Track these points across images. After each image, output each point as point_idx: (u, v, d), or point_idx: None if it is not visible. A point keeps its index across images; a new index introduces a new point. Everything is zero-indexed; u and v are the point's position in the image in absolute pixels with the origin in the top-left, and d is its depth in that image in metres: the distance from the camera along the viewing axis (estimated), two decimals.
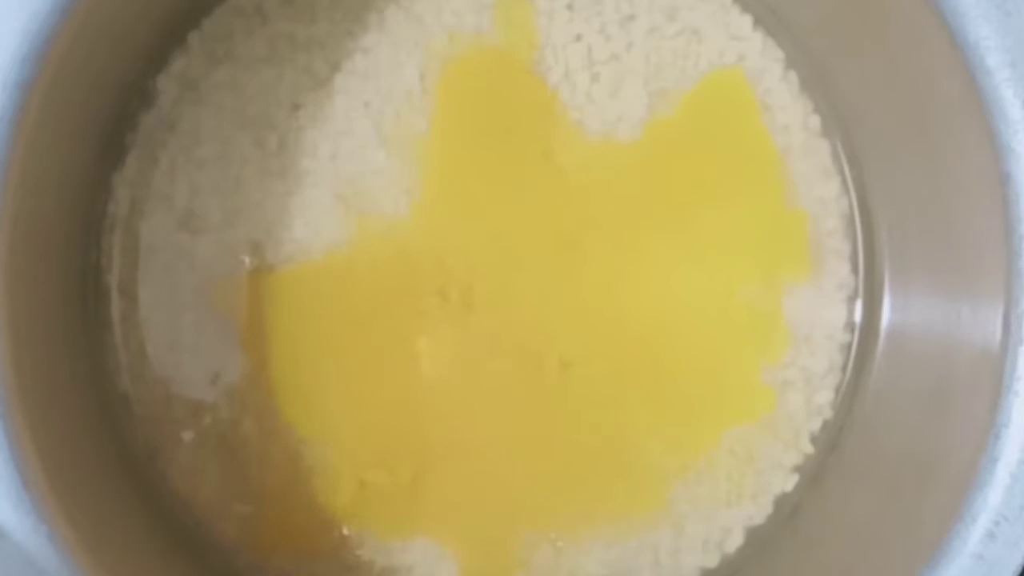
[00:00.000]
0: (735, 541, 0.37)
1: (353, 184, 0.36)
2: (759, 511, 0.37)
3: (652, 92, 0.36)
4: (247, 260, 0.36)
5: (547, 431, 0.36)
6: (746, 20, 0.37)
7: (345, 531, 0.36)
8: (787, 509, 0.37)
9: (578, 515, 0.36)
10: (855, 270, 0.37)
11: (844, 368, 0.37)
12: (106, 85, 0.34)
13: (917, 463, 0.32)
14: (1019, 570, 0.28)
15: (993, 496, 0.28)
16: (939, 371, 0.33)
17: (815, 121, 0.37)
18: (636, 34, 0.37)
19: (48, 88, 0.29)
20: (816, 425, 0.37)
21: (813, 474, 0.37)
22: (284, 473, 0.36)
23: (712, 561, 0.37)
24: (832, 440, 0.37)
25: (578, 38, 0.36)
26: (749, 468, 0.37)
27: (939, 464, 0.31)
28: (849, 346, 0.37)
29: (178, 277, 0.36)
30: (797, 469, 0.37)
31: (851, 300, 0.37)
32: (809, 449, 0.37)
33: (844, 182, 0.37)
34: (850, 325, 0.37)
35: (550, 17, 0.36)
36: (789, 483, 0.37)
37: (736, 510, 0.37)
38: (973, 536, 0.28)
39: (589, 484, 0.36)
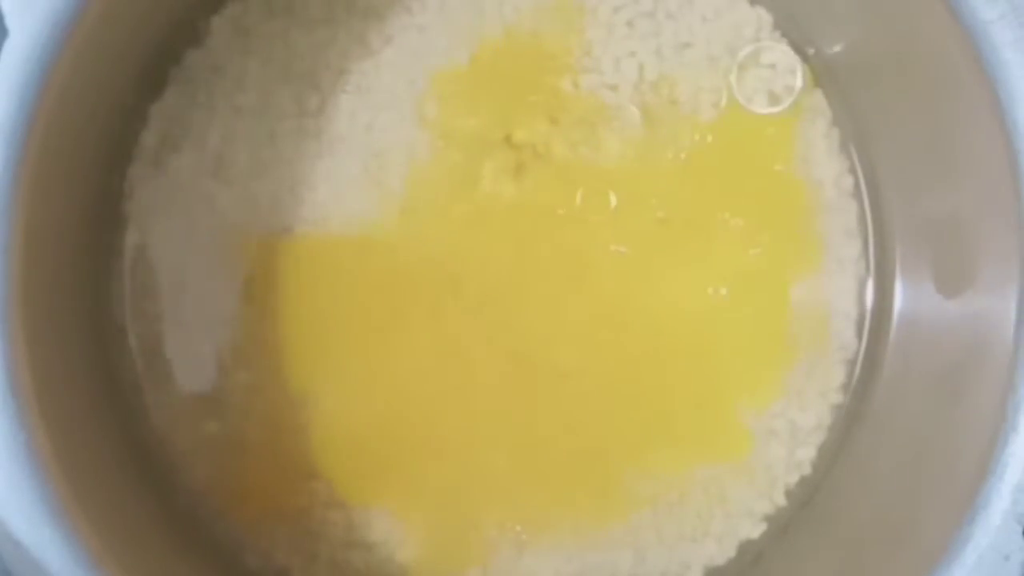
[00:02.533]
0: None
1: (382, 159, 0.36)
2: (721, 553, 0.37)
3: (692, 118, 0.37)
4: (266, 214, 0.36)
5: (530, 435, 0.36)
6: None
7: (315, 496, 0.36)
8: (749, 556, 0.37)
9: (544, 521, 0.36)
10: (859, 335, 0.37)
11: (831, 428, 0.37)
12: (158, 18, 0.34)
13: (888, 531, 0.33)
14: None
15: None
16: (920, 450, 0.33)
17: (848, 181, 0.37)
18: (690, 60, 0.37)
19: (101, 9, 0.29)
20: (793, 479, 0.37)
21: (782, 525, 0.37)
22: (266, 429, 0.36)
23: None
24: (807, 496, 0.37)
25: (632, 54, 0.37)
26: (720, 509, 0.37)
27: (910, 535, 0.31)
28: (840, 407, 0.37)
29: (196, 218, 0.36)
30: (767, 519, 0.37)
31: (851, 363, 0.37)
32: (782, 501, 0.37)
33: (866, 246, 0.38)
34: (845, 387, 0.37)
35: (609, 30, 0.36)
36: (756, 531, 0.37)
37: (699, 547, 0.37)
38: None
39: (560, 491, 0.36)
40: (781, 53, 0.37)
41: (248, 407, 0.36)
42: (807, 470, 0.37)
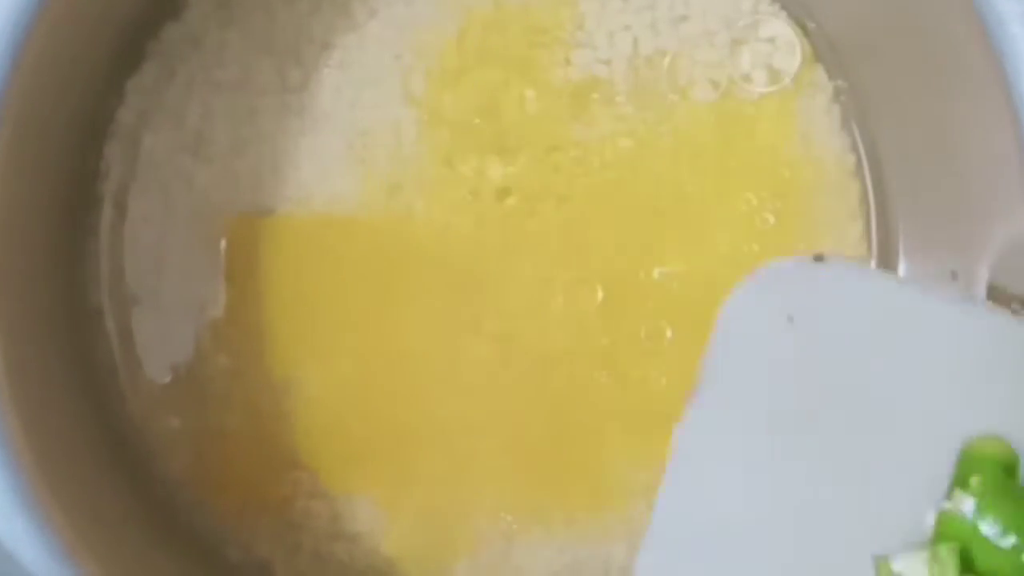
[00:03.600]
0: None
1: (367, 136, 0.36)
2: None
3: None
4: (247, 193, 0.35)
5: (520, 422, 0.36)
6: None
7: (298, 485, 0.35)
8: None
9: (535, 511, 0.36)
10: None
11: None
12: None
13: None
14: None
15: None
16: None
17: (850, 160, 0.37)
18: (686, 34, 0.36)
19: None
20: None
21: None
22: (247, 416, 0.35)
23: None
24: None
25: (626, 28, 0.36)
26: None
27: None
28: None
29: (174, 198, 0.35)
30: None
31: None
32: None
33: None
34: None
35: (603, 3, 0.36)
36: None
37: None
38: None
39: (552, 481, 0.36)
40: (780, 26, 0.37)
41: (229, 393, 0.35)
42: None
